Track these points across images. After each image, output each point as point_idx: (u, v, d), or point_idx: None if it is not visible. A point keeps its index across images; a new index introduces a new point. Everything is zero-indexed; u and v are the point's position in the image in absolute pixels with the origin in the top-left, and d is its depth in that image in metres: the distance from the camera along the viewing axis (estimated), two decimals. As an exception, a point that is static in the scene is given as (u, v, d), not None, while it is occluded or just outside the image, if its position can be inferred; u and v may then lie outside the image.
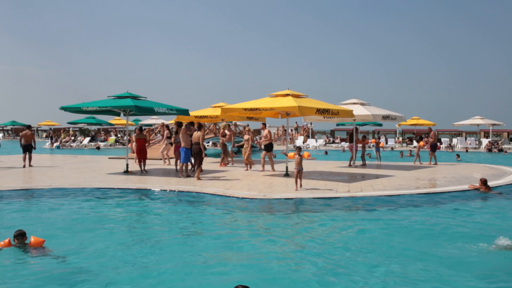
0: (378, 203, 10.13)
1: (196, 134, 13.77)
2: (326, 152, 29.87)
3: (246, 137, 16.80)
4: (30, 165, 17.77)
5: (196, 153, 13.74)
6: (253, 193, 10.82)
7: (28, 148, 17.94)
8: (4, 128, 63.10)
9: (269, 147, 16.06)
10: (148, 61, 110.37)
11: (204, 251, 6.50)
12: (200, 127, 14.13)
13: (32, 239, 6.42)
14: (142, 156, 16.03)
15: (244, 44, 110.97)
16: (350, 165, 18.63)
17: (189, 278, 5.44)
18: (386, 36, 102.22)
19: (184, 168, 14.29)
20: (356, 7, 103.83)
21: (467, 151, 32.50)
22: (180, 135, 14.61)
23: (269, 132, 16.46)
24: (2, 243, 6.38)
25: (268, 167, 16.38)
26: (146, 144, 17.70)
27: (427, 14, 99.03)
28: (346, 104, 18.57)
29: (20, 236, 6.38)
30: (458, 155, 23.07)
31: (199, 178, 13.45)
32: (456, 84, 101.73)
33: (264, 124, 17.40)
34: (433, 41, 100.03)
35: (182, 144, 14.29)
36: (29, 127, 19.13)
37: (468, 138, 39.35)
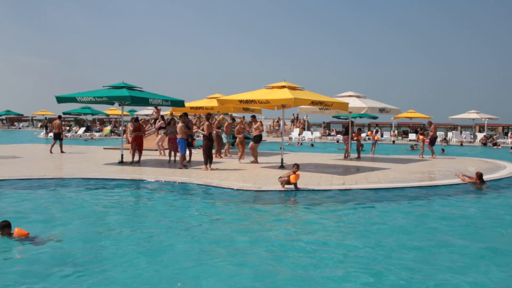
0: (372, 195, 10.17)
1: (204, 124, 13.73)
2: (312, 145, 30.59)
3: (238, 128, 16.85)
4: (62, 152, 19.19)
5: (211, 142, 13.79)
6: (248, 185, 10.82)
7: (57, 136, 19.60)
8: (-1, 117, 62.83)
9: (257, 139, 16.21)
10: (144, 51, 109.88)
11: (197, 243, 6.49)
12: (209, 116, 14.17)
13: (16, 230, 6.32)
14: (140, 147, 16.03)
15: (242, 35, 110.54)
16: (345, 157, 18.67)
17: (180, 269, 5.43)
18: (384, 32, 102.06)
19: (180, 158, 14.27)
20: (355, 4, 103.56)
21: (461, 145, 32.64)
22: (178, 126, 14.58)
23: (261, 124, 16.62)
24: None
25: (260, 159, 16.50)
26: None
27: (425, 11, 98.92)
28: (342, 96, 18.53)
29: (3, 227, 6.31)
30: (442, 150, 23.48)
31: (211, 169, 13.71)
32: (452, 78, 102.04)
33: (254, 116, 17.57)
34: (430, 36, 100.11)
35: (180, 135, 14.26)
36: (59, 117, 20.73)
37: (463, 132, 39.50)
